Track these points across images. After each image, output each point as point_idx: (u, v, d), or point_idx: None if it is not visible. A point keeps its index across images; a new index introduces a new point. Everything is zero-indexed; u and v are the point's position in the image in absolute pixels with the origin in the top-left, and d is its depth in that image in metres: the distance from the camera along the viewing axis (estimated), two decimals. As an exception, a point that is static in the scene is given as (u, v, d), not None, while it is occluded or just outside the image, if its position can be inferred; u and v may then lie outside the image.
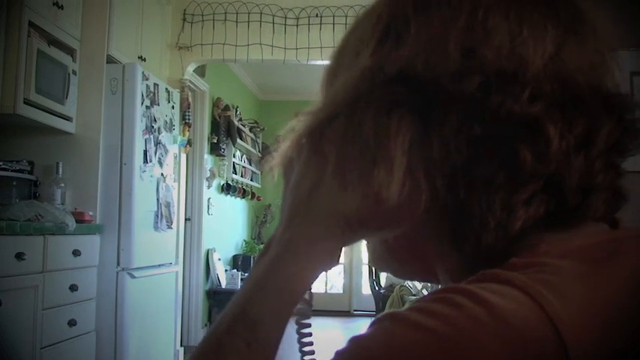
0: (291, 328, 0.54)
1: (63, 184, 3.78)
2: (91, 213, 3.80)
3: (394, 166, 0.51)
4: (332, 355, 0.46)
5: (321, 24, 5.13)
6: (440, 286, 0.56)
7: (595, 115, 0.51)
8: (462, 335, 0.42)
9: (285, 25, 5.19)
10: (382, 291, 6.18)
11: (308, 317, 0.60)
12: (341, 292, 8.69)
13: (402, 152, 0.51)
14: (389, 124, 0.51)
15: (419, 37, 0.52)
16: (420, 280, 0.61)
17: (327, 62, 0.63)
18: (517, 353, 0.41)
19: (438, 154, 0.51)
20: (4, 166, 3.46)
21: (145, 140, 4.13)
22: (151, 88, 4.23)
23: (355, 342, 0.45)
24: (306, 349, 0.60)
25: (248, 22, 5.20)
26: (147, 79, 4.16)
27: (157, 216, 4.30)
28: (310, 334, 0.61)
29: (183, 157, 5.11)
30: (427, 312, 0.44)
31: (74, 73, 3.81)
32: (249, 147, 7.85)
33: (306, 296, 0.58)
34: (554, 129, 0.49)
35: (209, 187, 6.56)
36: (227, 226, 7.46)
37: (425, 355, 0.42)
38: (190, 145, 5.37)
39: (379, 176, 0.51)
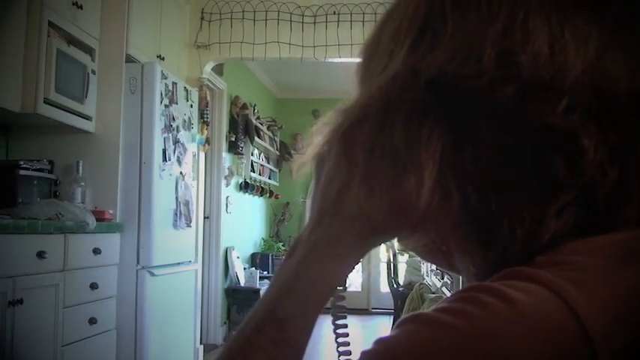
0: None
1: (83, 183, 3.81)
2: (110, 211, 3.82)
3: (425, 175, 0.50)
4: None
5: (338, 21, 5.13)
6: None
7: (633, 125, 0.49)
8: (488, 333, 0.41)
9: (303, 22, 5.20)
10: (401, 289, 6.17)
11: (344, 316, 0.61)
12: (359, 289, 8.69)
13: (434, 162, 0.50)
14: (420, 133, 0.51)
15: (454, 39, 0.51)
16: (453, 272, 0.61)
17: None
18: (543, 350, 0.41)
19: (469, 164, 0.50)
20: (24, 166, 3.50)
21: (164, 139, 4.14)
22: (170, 87, 4.25)
23: (381, 343, 0.45)
24: (342, 349, 0.61)
25: (265, 20, 5.21)
26: (165, 78, 4.18)
27: (176, 214, 4.32)
28: (347, 335, 0.61)
29: (202, 155, 5.13)
30: (451, 311, 0.44)
31: (93, 72, 3.83)
32: (267, 145, 7.87)
33: (340, 297, 0.59)
34: (590, 141, 0.48)
35: (227, 185, 6.58)
36: (245, 224, 7.48)
37: (450, 354, 0.42)
38: (209, 144, 5.40)
39: (409, 184, 0.51)
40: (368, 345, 0.46)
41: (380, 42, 0.59)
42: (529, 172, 0.49)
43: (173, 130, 4.28)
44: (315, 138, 0.58)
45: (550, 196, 0.49)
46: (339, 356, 0.61)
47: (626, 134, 0.49)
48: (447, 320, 0.43)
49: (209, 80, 5.59)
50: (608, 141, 0.48)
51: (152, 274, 3.97)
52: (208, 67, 5.39)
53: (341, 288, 0.58)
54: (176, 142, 4.33)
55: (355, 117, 0.54)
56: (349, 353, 0.61)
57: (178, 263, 4.46)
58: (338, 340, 0.61)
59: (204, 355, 5.16)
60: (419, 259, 5.98)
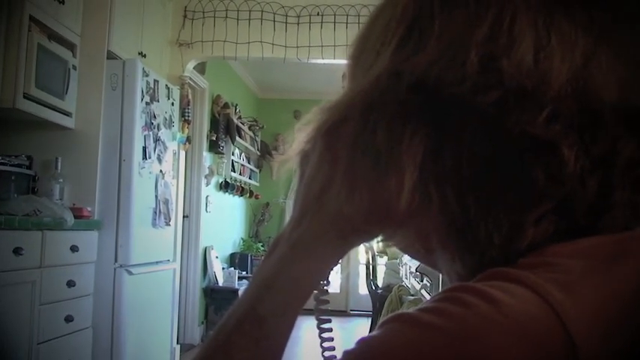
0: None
1: (61, 180, 3.77)
2: (89, 209, 3.79)
3: (405, 177, 0.50)
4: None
5: (322, 22, 5.13)
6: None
7: (615, 136, 0.48)
8: (471, 333, 0.41)
9: (286, 23, 5.19)
10: (380, 291, 6.18)
11: (328, 313, 0.61)
12: (338, 291, 8.69)
13: (415, 164, 0.50)
14: (402, 135, 0.50)
15: (440, 40, 0.51)
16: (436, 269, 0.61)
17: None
18: (526, 352, 0.41)
19: (450, 168, 0.50)
20: (2, 161, 3.46)
21: (145, 137, 4.12)
22: (151, 85, 4.23)
23: (364, 342, 0.45)
24: (326, 344, 0.61)
25: (249, 19, 5.20)
26: (147, 76, 4.16)
27: (156, 213, 4.30)
28: (331, 329, 0.61)
29: (182, 154, 5.11)
30: (435, 311, 0.44)
31: (74, 68, 3.80)
32: (247, 145, 7.85)
33: (323, 292, 0.59)
34: (570, 151, 0.47)
35: (207, 184, 6.55)
36: (225, 224, 7.45)
37: (433, 354, 0.42)
38: (189, 143, 5.37)
39: (390, 185, 0.51)
40: (348, 346, 0.45)
41: (368, 39, 0.58)
42: (509, 179, 0.49)
43: (154, 127, 4.26)
44: (299, 135, 0.58)
45: (529, 204, 0.48)
46: (322, 352, 0.61)
47: (609, 145, 0.48)
48: (432, 320, 0.43)
49: (191, 79, 5.56)
50: (589, 152, 0.48)
51: (130, 273, 3.94)
52: (190, 66, 5.37)
53: (324, 282, 0.59)
54: (157, 140, 4.31)
55: (339, 115, 0.54)
56: (333, 349, 0.61)
57: (157, 262, 4.43)
58: (322, 335, 0.61)
59: (180, 355, 5.14)
60: (398, 261, 6.00)
